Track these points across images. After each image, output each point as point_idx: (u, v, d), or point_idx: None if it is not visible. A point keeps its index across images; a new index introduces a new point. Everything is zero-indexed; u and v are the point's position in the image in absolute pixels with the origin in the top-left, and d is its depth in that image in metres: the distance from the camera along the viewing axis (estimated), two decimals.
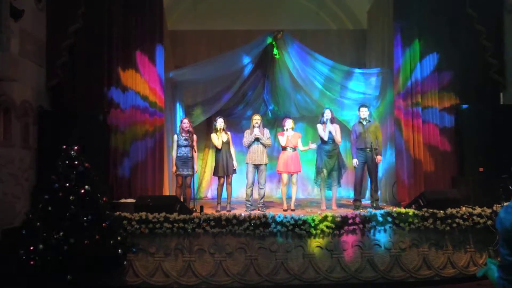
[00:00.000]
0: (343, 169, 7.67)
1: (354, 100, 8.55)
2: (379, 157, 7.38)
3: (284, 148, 7.52)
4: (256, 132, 7.33)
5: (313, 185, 8.72)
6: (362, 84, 8.42)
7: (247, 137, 7.45)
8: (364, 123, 7.40)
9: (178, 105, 8.92)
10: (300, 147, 7.60)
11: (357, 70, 8.40)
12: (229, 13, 9.81)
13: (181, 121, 7.57)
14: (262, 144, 7.39)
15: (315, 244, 6.15)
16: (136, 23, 7.45)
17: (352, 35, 10.08)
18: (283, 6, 9.89)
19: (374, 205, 7.24)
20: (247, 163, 7.44)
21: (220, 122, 7.45)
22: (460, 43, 7.64)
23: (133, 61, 7.41)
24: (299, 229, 6.09)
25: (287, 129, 7.48)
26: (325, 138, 7.44)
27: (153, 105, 7.45)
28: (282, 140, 7.47)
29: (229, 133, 7.60)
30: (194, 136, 7.50)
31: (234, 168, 7.44)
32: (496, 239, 6.13)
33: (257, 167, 7.38)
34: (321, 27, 10.25)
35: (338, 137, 7.50)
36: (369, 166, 7.39)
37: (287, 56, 8.61)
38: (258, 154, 7.36)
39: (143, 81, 7.44)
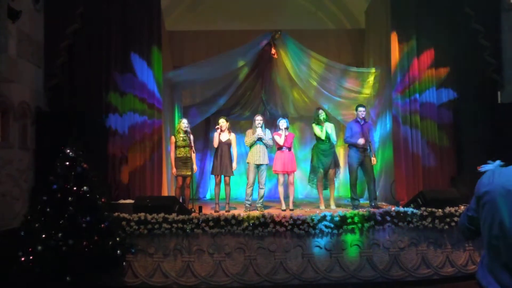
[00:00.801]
0: (337, 168, 7.71)
1: (351, 100, 8.56)
2: (374, 159, 7.42)
3: (280, 148, 7.53)
4: (259, 132, 7.33)
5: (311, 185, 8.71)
6: (360, 83, 8.43)
7: (249, 137, 7.45)
8: (362, 123, 7.41)
9: (176, 105, 8.92)
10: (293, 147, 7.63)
11: (354, 69, 8.41)
12: (227, 14, 9.80)
13: (180, 122, 7.56)
14: (264, 144, 7.41)
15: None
16: (134, 22, 7.44)
17: (350, 34, 10.08)
18: (281, 6, 9.88)
19: (373, 204, 7.25)
20: (248, 163, 7.44)
21: (220, 122, 7.46)
22: (457, 42, 7.65)
23: (131, 62, 7.39)
24: (298, 229, 6.10)
25: (282, 129, 7.49)
26: (322, 137, 7.47)
27: (152, 96, 7.41)
28: (279, 140, 7.48)
29: (233, 134, 7.58)
30: (191, 136, 7.49)
31: (232, 170, 7.43)
32: None
33: (258, 167, 7.39)
34: (319, 26, 10.25)
35: (333, 136, 7.53)
36: (365, 166, 7.40)
37: (285, 56, 8.61)
38: (260, 154, 7.37)
39: (140, 84, 7.43)
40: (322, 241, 6.16)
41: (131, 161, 7.30)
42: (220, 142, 7.36)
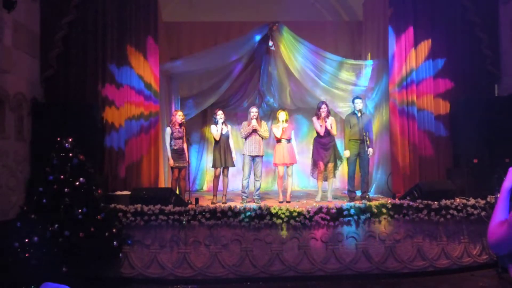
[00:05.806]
0: (339, 161, 7.68)
1: (349, 92, 8.54)
2: (370, 150, 7.33)
3: (279, 140, 7.51)
4: (254, 124, 7.33)
5: (309, 177, 8.74)
6: (357, 76, 8.40)
7: (245, 128, 7.44)
8: (358, 115, 7.39)
9: (173, 97, 8.88)
10: (292, 139, 7.59)
11: (352, 61, 8.39)
12: (224, 5, 9.74)
13: (174, 113, 7.53)
14: (259, 136, 7.40)
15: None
16: (130, 13, 7.39)
17: (348, 26, 10.04)
18: None
19: (364, 196, 7.22)
20: (243, 154, 7.44)
21: (220, 115, 7.43)
22: (455, 34, 7.65)
23: (127, 53, 7.36)
24: (294, 221, 6.11)
25: (281, 121, 7.47)
26: (321, 133, 7.44)
27: (148, 87, 7.38)
28: (277, 132, 7.47)
29: (229, 125, 7.59)
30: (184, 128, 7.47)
31: (233, 161, 7.43)
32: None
33: (253, 158, 7.38)
34: (317, 18, 10.21)
35: (334, 129, 7.51)
36: (361, 158, 7.39)
37: (282, 47, 8.57)
38: (255, 145, 7.37)
39: (136, 76, 7.39)
40: (318, 233, 6.18)
41: (127, 153, 7.27)
42: (221, 134, 7.36)
